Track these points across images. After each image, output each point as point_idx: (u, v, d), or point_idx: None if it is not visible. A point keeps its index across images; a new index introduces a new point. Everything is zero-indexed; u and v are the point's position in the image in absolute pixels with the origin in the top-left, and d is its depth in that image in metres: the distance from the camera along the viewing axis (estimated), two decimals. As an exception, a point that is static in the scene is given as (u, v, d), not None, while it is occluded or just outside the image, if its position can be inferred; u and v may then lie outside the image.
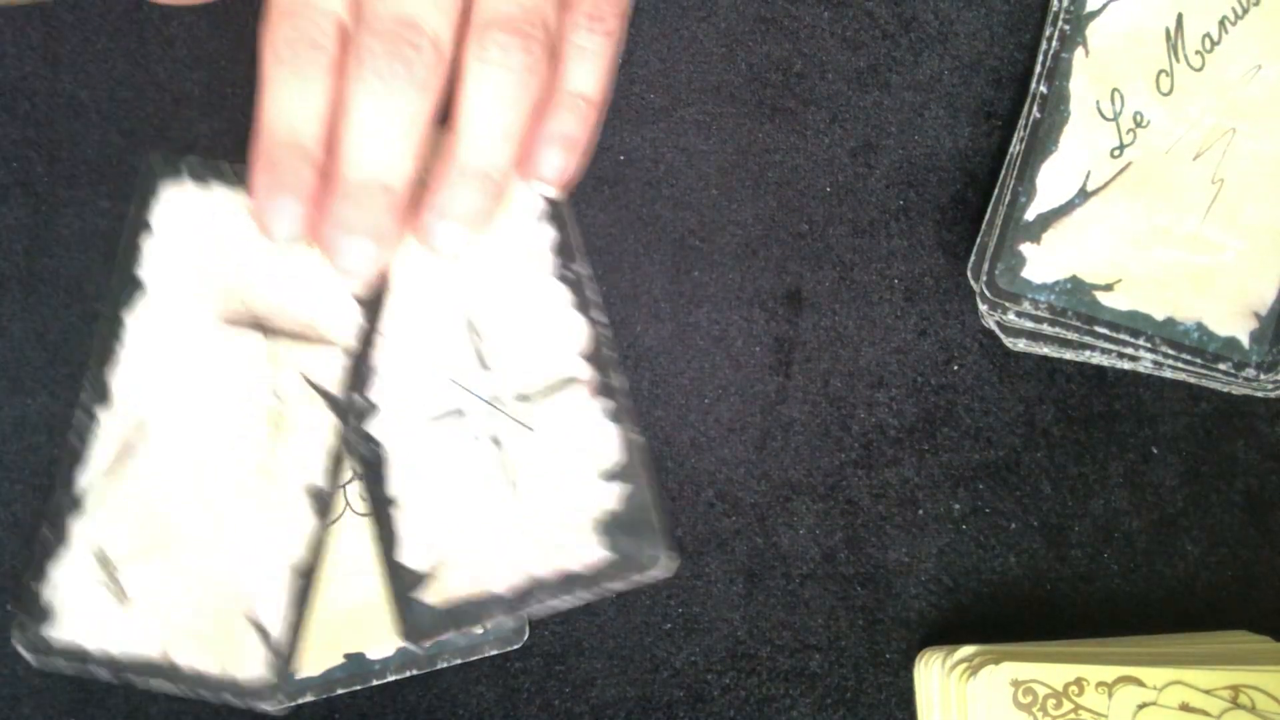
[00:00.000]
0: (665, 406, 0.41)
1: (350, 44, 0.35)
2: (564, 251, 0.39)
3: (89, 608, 0.39)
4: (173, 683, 0.39)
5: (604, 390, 0.39)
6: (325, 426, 0.40)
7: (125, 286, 0.40)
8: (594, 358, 0.39)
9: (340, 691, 0.39)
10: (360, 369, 0.39)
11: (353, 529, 0.40)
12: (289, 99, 0.35)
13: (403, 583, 0.38)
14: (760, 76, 0.42)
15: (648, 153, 0.41)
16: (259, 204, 0.36)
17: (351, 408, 0.39)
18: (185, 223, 0.40)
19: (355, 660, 0.39)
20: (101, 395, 0.40)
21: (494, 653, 0.40)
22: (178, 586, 0.39)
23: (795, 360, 0.41)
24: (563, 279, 0.39)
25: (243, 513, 0.39)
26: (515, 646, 0.40)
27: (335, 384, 0.40)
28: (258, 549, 0.39)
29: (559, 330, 0.39)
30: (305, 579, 0.39)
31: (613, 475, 0.38)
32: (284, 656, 0.39)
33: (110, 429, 0.39)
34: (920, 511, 0.40)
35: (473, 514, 0.38)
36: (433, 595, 0.38)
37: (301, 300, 0.40)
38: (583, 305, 0.39)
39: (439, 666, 0.40)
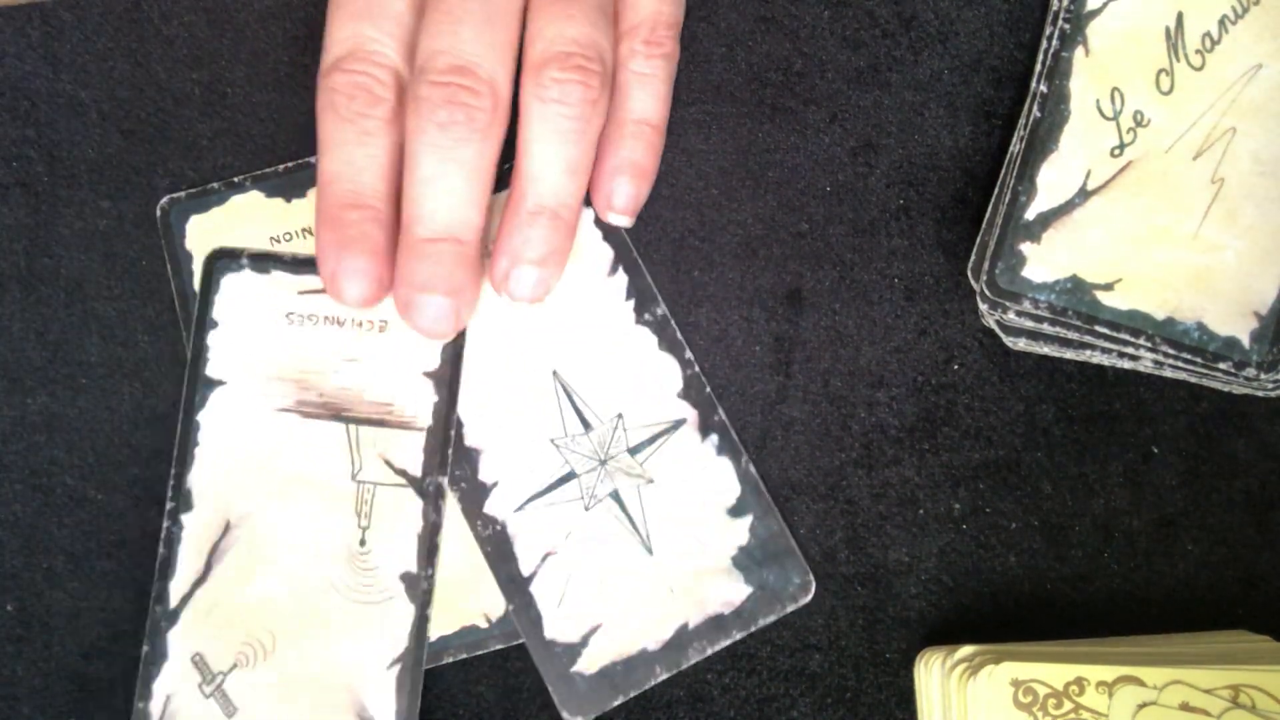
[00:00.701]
0: (665, 406, 0.41)
1: (408, 94, 0.34)
2: (641, 296, 0.39)
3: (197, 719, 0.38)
4: None
5: (709, 426, 0.39)
6: (412, 510, 0.39)
7: (198, 387, 0.39)
8: (691, 395, 0.39)
9: None
10: (441, 447, 0.39)
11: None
12: (351, 155, 0.34)
13: (556, 661, 0.38)
14: (760, 76, 0.42)
15: (648, 152, 0.41)
16: (328, 267, 0.35)
17: (467, 493, 0.38)
18: (250, 314, 0.39)
19: None
20: (184, 501, 0.39)
21: (499, 646, 0.39)
22: (285, 691, 0.38)
23: (795, 360, 0.41)
24: (645, 323, 0.39)
25: (340, 608, 0.38)
26: (521, 641, 0.40)
27: (417, 465, 0.39)
28: (360, 644, 0.38)
29: (652, 375, 0.39)
30: (411, 669, 0.38)
31: (737, 510, 0.38)
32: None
33: (196, 534, 0.39)
34: (920, 511, 0.40)
35: (610, 575, 0.38)
36: (587, 665, 0.38)
37: (376, 383, 0.39)
38: (669, 346, 0.39)
39: (444, 661, 0.39)
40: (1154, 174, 0.39)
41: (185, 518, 0.38)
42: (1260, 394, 0.39)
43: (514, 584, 0.38)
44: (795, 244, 0.41)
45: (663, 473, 0.39)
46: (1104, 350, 0.39)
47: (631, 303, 0.39)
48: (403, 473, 0.39)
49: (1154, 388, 0.41)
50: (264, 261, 0.40)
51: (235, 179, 0.41)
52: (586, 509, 0.38)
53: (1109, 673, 0.34)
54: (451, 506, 0.39)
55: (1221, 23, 0.39)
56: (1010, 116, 0.41)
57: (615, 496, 0.38)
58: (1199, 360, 0.38)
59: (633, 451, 0.38)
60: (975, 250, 0.39)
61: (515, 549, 0.38)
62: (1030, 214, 0.39)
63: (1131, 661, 0.35)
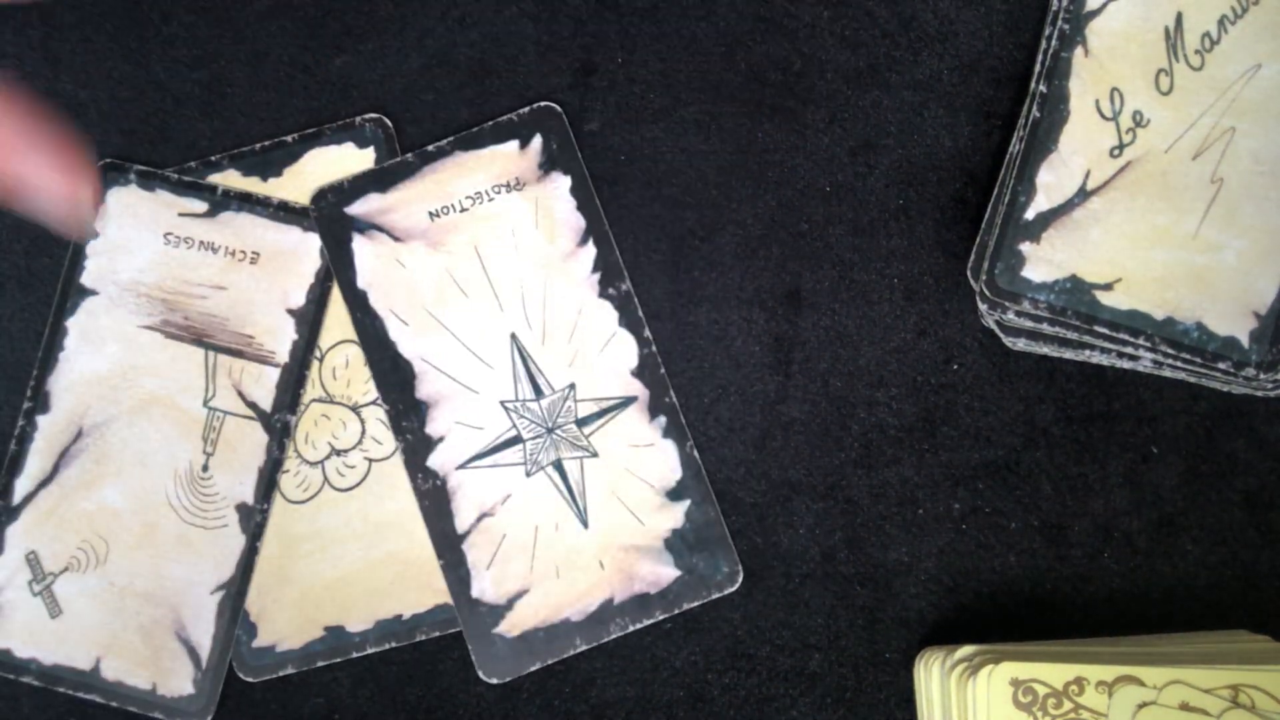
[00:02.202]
0: (665, 406, 0.41)
1: None
2: (608, 270, 0.39)
3: (22, 616, 0.39)
4: (102, 696, 0.39)
5: (659, 407, 0.39)
6: (257, 443, 0.40)
7: (69, 293, 0.40)
8: (645, 375, 0.39)
9: (320, 664, 0.39)
10: (294, 385, 0.39)
11: (332, 504, 0.40)
12: None
13: (479, 619, 0.38)
14: (760, 76, 0.42)
15: (648, 153, 0.41)
16: None
17: (411, 444, 0.38)
18: (130, 229, 0.40)
19: (334, 633, 0.39)
20: (41, 403, 0.40)
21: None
22: (110, 600, 0.39)
23: (795, 360, 0.41)
24: (607, 298, 0.39)
25: (175, 528, 0.39)
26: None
27: (268, 400, 0.40)
28: (189, 566, 0.39)
29: (609, 350, 0.39)
30: (234, 598, 0.39)
31: (676, 493, 0.38)
32: (212, 674, 0.39)
33: (48, 436, 0.39)
34: (920, 511, 0.40)
35: (543, 543, 0.38)
36: (509, 627, 0.38)
37: (240, 314, 0.40)
38: (629, 323, 0.39)
39: (417, 639, 0.39)
40: (1153, 174, 0.39)
41: (40, 419, 0.39)
42: (1260, 394, 0.39)
43: (447, 540, 0.38)
44: (795, 244, 0.41)
45: (607, 448, 0.39)
46: (1103, 350, 0.39)
47: (597, 275, 0.39)
48: (253, 405, 0.40)
49: (1154, 388, 0.41)
50: (150, 179, 0.40)
51: (212, 158, 0.41)
52: (528, 474, 0.38)
53: (1109, 673, 0.34)
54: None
55: (1221, 23, 0.39)
56: (1010, 116, 0.41)
57: (558, 466, 0.38)
58: (1198, 360, 0.38)
59: (580, 423, 0.38)
60: (975, 250, 0.40)
61: (452, 506, 0.38)
62: (1030, 214, 0.39)
63: (1131, 661, 0.35)
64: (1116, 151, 0.39)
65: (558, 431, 0.38)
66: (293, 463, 0.40)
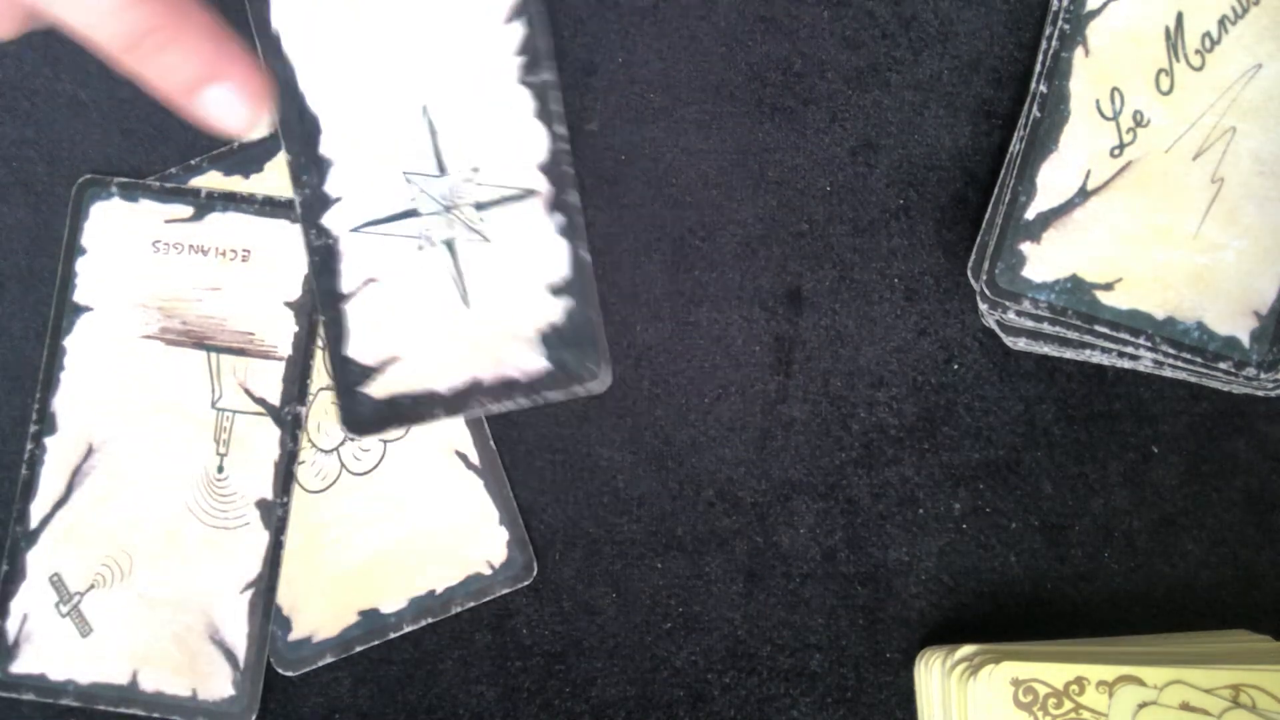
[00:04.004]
0: (665, 406, 0.41)
1: None
2: (531, 55, 0.37)
3: (53, 639, 0.39)
4: (143, 709, 0.39)
5: (558, 205, 0.38)
6: (269, 438, 0.40)
7: (64, 312, 0.40)
8: (551, 171, 0.38)
9: (359, 649, 0.40)
10: (300, 377, 0.39)
11: (351, 489, 0.40)
12: None
13: (349, 376, 0.38)
14: (760, 76, 0.42)
15: (648, 153, 0.41)
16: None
17: (309, 200, 0.37)
18: (117, 242, 0.39)
19: (370, 616, 0.40)
20: (48, 424, 0.40)
21: (505, 591, 0.40)
22: (140, 612, 0.39)
23: (795, 360, 0.41)
24: (527, 84, 0.37)
25: (197, 532, 0.39)
26: (525, 583, 0.40)
27: (276, 394, 0.40)
28: (215, 569, 0.39)
29: (519, 139, 0.37)
30: (264, 595, 0.39)
31: (559, 290, 0.37)
32: (251, 673, 0.39)
33: (58, 457, 0.40)
34: (920, 511, 0.40)
35: (421, 315, 0.38)
36: (377, 390, 0.38)
37: (237, 312, 0.40)
38: (545, 115, 0.37)
39: (453, 612, 0.40)
40: (1154, 174, 0.39)
41: (48, 440, 0.39)
42: (1260, 394, 0.39)
43: (330, 298, 0.38)
44: (795, 244, 0.41)
45: (501, 235, 0.38)
46: (1104, 350, 0.39)
47: (521, 60, 0.37)
48: (261, 401, 0.40)
49: (1154, 388, 0.41)
50: (132, 190, 0.40)
51: (192, 161, 0.41)
52: (419, 249, 0.38)
53: (1109, 673, 0.34)
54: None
55: (1221, 23, 0.39)
56: (1010, 116, 0.41)
57: (449, 245, 0.38)
58: (1199, 360, 0.38)
59: (478, 207, 0.38)
60: (975, 250, 0.39)
61: (340, 266, 0.38)
62: (1030, 214, 0.39)
63: (1131, 661, 0.35)
64: (1116, 151, 0.39)
65: (455, 211, 0.38)
66: (308, 453, 0.40)
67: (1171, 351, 0.38)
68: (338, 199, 0.38)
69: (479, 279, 0.38)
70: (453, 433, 0.40)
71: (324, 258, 0.38)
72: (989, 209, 0.40)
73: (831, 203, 0.41)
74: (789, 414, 0.41)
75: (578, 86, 0.41)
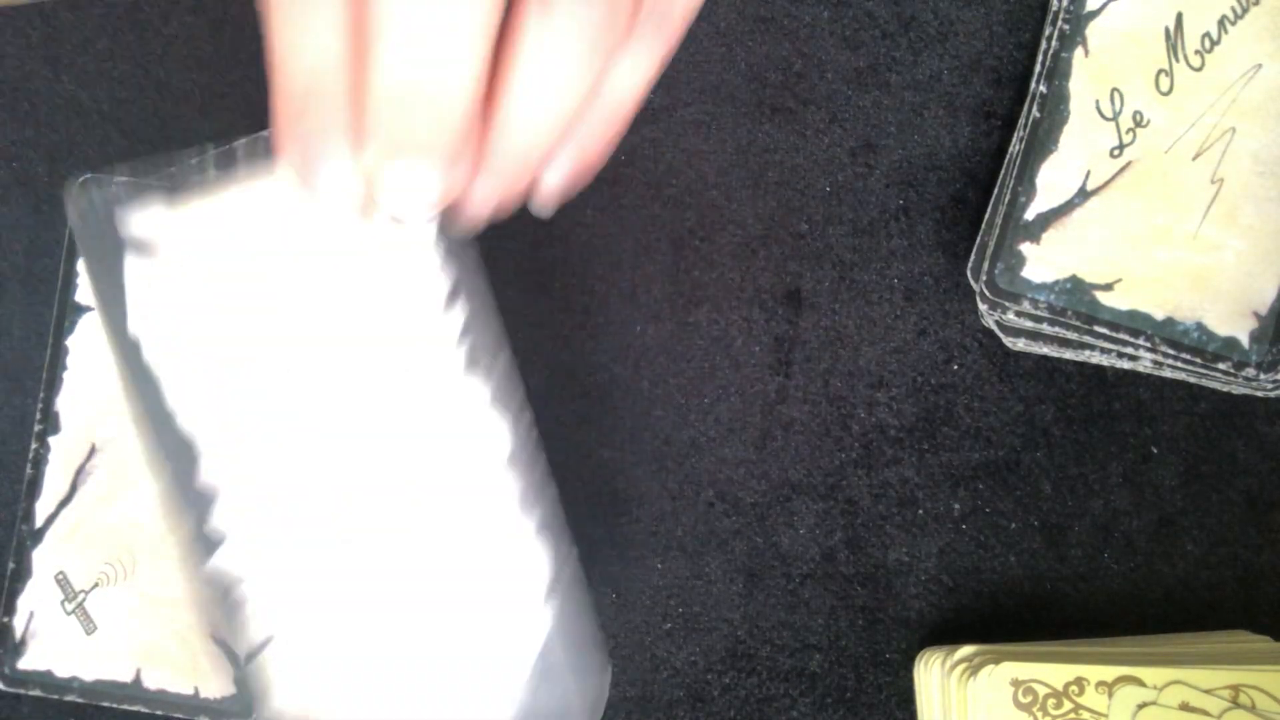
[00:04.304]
0: (665, 406, 0.41)
1: None
2: (476, 339, 0.31)
3: (58, 637, 0.39)
4: (146, 706, 0.39)
5: (531, 500, 0.32)
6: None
7: (66, 312, 0.40)
8: (520, 461, 0.32)
9: None
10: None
11: None
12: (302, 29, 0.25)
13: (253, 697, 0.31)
14: (760, 76, 0.42)
15: (648, 153, 0.41)
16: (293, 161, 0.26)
17: (192, 541, 0.30)
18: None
19: None
20: (52, 424, 0.40)
21: None
22: (143, 611, 0.39)
23: (795, 360, 0.41)
24: (475, 372, 0.31)
25: None
26: None
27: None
28: None
29: (474, 434, 0.31)
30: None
31: (548, 594, 0.32)
32: (252, 672, 0.38)
33: (62, 456, 0.40)
34: (920, 511, 0.40)
35: (365, 652, 0.31)
36: None
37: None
38: (502, 400, 0.31)
39: None
40: (1154, 174, 0.39)
41: (52, 440, 0.40)
42: (1260, 394, 0.39)
43: (245, 654, 0.31)
44: (795, 244, 0.41)
45: (463, 549, 0.31)
46: (1104, 350, 0.39)
47: (465, 347, 0.31)
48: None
49: (1154, 388, 0.41)
50: (133, 190, 0.40)
51: (193, 161, 0.40)
52: (345, 577, 0.31)
53: (1109, 673, 0.34)
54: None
55: (1221, 23, 0.39)
56: (1010, 116, 0.41)
57: (384, 569, 0.31)
58: (1199, 360, 0.38)
59: (424, 521, 0.31)
60: (975, 250, 0.39)
61: (241, 615, 0.31)
62: (1030, 214, 0.39)
63: (1131, 661, 0.35)
64: (1116, 151, 0.39)
65: (390, 531, 0.31)
66: None
67: (1171, 352, 0.38)
68: (226, 536, 0.31)
69: (436, 605, 0.31)
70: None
71: (218, 609, 0.31)
72: (989, 209, 0.40)
73: (831, 203, 0.41)
74: (789, 414, 0.41)
75: (578, 87, 0.41)
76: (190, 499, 0.30)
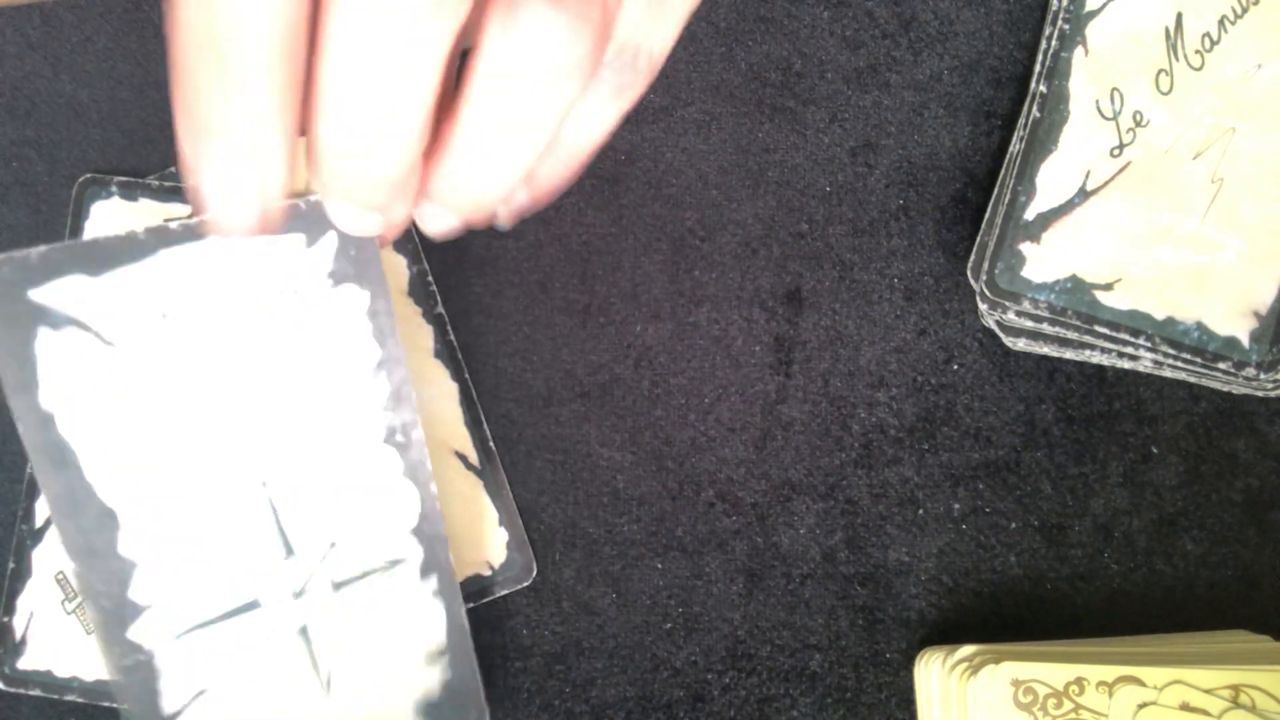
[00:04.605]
0: (665, 406, 0.41)
1: None
2: (399, 412, 0.32)
3: (58, 637, 0.39)
4: None
5: (432, 567, 0.33)
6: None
7: None
8: (424, 533, 0.33)
9: None
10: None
11: None
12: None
13: None
14: (760, 76, 0.42)
15: (648, 153, 0.41)
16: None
17: (108, 613, 0.30)
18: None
19: None
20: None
21: (505, 592, 0.40)
22: None
23: (795, 360, 0.41)
24: (394, 444, 0.32)
25: None
26: (525, 584, 0.40)
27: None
28: None
29: (386, 504, 0.33)
30: None
31: (436, 656, 0.34)
32: None
33: None
34: (920, 511, 0.40)
35: (274, 715, 0.33)
36: None
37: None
38: (414, 473, 0.32)
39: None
40: (1154, 174, 0.39)
41: None
42: (1260, 394, 0.39)
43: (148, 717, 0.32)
44: (795, 244, 0.41)
45: (365, 612, 0.33)
46: (1104, 350, 0.39)
47: (387, 417, 0.32)
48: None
49: (1154, 388, 0.41)
50: (132, 190, 0.40)
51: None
52: (264, 642, 0.32)
53: (1109, 673, 0.34)
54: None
55: (1221, 23, 0.39)
56: (1010, 116, 0.41)
57: (304, 633, 0.33)
58: (1199, 360, 0.38)
59: (338, 586, 0.33)
60: (975, 250, 0.39)
61: (159, 685, 0.31)
62: (1030, 214, 0.39)
63: (1131, 661, 0.35)
64: (1117, 151, 0.39)
65: (307, 596, 0.33)
66: None
67: (1171, 352, 0.38)
68: (148, 606, 0.31)
69: (341, 662, 0.33)
70: (452, 433, 0.40)
71: (137, 678, 0.31)
72: (989, 209, 0.40)
73: (831, 203, 0.41)
74: (789, 414, 0.41)
75: (578, 87, 0.41)
76: (112, 570, 0.30)
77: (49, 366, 0.29)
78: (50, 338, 0.29)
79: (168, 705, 0.32)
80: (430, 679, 0.34)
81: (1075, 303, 0.39)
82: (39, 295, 0.28)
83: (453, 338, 0.41)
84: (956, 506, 0.40)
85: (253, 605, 0.32)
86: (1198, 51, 0.39)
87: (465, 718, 0.35)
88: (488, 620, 0.40)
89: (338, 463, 0.32)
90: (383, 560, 0.33)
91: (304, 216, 0.29)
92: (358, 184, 0.24)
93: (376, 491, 0.32)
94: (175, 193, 0.40)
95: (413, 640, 0.34)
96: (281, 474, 0.31)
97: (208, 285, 0.29)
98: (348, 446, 0.32)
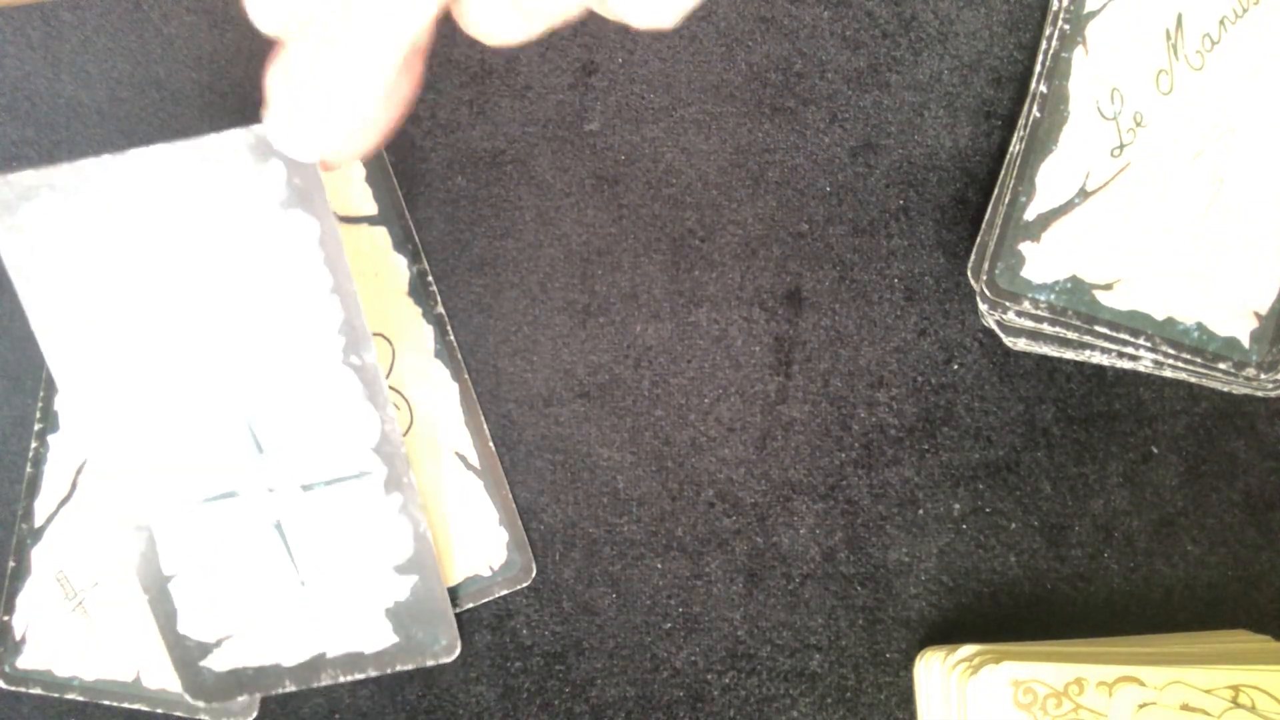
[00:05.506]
0: (665, 406, 0.41)
1: None
2: (352, 336, 0.35)
3: (59, 636, 0.39)
4: (148, 705, 0.39)
5: (395, 485, 0.37)
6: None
7: None
8: (385, 452, 0.37)
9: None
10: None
11: None
12: None
13: (188, 652, 0.37)
14: (760, 76, 0.42)
15: (648, 153, 0.41)
16: None
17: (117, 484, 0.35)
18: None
19: None
20: (52, 422, 0.40)
21: (505, 592, 0.40)
22: (143, 610, 0.39)
23: (795, 360, 0.41)
24: (351, 366, 0.35)
25: None
26: (525, 584, 0.40)
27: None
28: None
29: (348, 423, 0.36)
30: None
31: (404, 568, 0.38)
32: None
33: (63, 455, 0.40)
34: (920, 511, 0.40)
35: (255, 595, 0.37)
36: (219, 663, 0.37)
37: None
38: (374, 396, 0.36)
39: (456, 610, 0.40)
40: (1154, 174, 0.39)
41: (52, 439, 0.40)
42: (1260, 394, 0.39)
43: (153, 578, 0.37)
44: (795, 244, 0.41)
45: (335, 516, 0.37)
46: (1104, 350, 0.39)
47: (342, 341, 0.35)
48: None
49: (1154, 388, 0.41)
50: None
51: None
52: (243, 530, 0.37)
53: (1109, 673, 0.34)
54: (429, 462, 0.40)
55: (1221, 23, 0.39)
56: (1010, 116, 0.41)
57: (279, 529, 0.37)
58: (1199, 360, 0.38)
59: (307, 488, 0.37)
60: (975, 250, 0.40)
61: (159, 549, 0.37)
62: (1030, 214, 0.39)
63: (1131, 661, 0.35)
64: (1117, 151, 0.39)
65: (279, 493, 0.36)
66: None
67: (1171, 352, 0.38)
68: (150, 487, 0.36)
69: (314, 559, 0.37)
70: (452, 433, 0.40)
71: (139, 542, 0.36)
72: (989, 209, 0.40)
73: (831, 203, 0.41)
74: (789, 414, 0.41)
75: (578, 86, 0.41)
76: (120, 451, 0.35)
77: (20, 260, 0.34)
78: (21, 242, 0.33)
79: (165, 567, 0.37)
80: (399, 588, 0.37)
81: (1075, 303, 0.39)
82: (15, 213, 0.33)
83: (453, 338, 0.41)
84: (956, 506, 0.40)
85: (230, 494, 0.36)
86: (1198, 52, 0.39)
87: (436, 641, 0.38)
88: (488, 620, 0.40)
89: (298, 376, 0.35)
90: (347, 470, 0.36)
91: (256, 142, 0.32)
92: (306, 122, 0.27)
93: (336, 409, 0.36)
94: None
95: (380, 550, 0.37)
96: (246, 380, 0.35)
97: (164, 199, 0.33)
98: (306, 362, 0.35)
